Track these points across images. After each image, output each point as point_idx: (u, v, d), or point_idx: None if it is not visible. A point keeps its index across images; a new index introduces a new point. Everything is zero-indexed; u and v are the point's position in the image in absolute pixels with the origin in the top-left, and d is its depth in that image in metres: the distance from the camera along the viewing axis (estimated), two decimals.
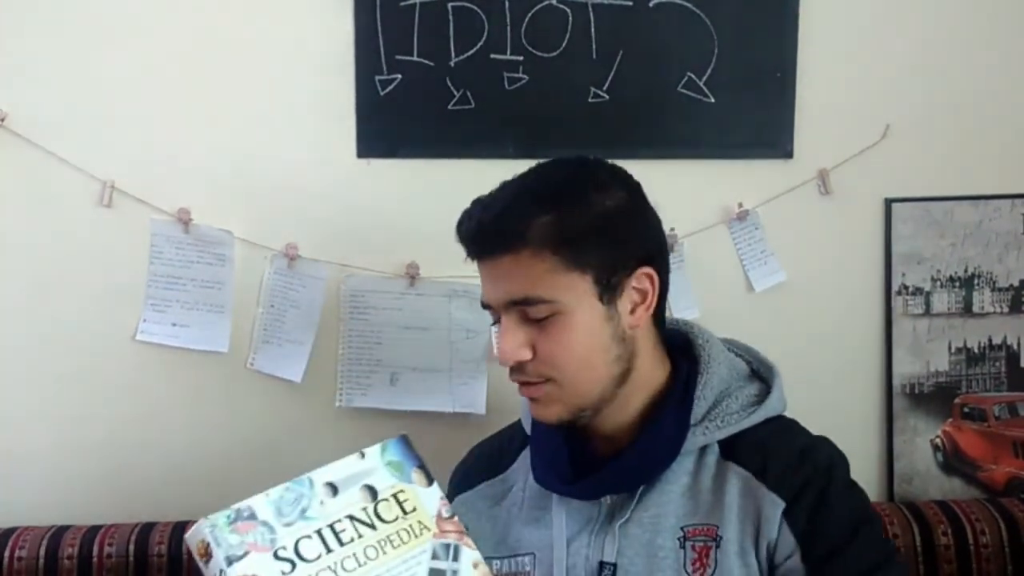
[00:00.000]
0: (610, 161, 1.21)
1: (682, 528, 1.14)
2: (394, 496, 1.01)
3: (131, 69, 1.60)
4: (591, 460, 1.20)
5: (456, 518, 1.03)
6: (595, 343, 1.13)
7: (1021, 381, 1.73)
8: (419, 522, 1.01)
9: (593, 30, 1.63)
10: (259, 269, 1.64)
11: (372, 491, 1.01)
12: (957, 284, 1.72)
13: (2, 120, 1.58)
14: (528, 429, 1.27)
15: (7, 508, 1.62)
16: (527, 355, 1.13)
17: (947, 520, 1.56)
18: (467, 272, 1.63)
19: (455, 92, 1.64)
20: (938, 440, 1.73)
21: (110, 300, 1.63)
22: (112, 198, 1.60)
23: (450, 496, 1.31)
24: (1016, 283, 1.72)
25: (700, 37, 1.65)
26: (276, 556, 0.94)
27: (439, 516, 1.02)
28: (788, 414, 1.23)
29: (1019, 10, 1.69)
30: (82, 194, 1.61)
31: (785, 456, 1.14)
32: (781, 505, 1.11)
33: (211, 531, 0.93)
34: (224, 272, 1.63)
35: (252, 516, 0.95)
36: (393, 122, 1.64)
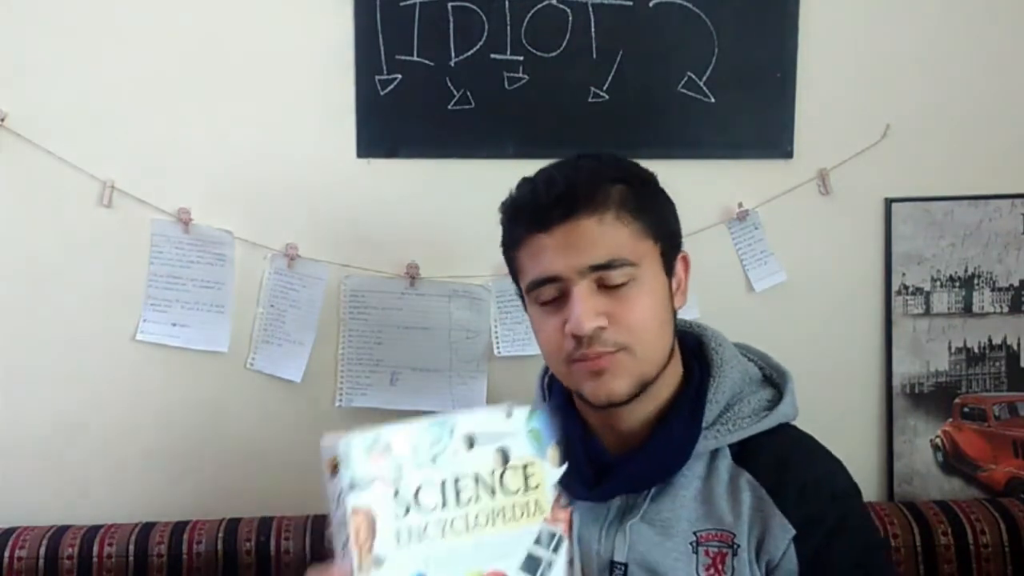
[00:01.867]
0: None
1: (695, 533, 1.14)
2: (524, 467, 0.98)
3: (131, 69, 1.60)
4: (603, 461, 1.19)
5: (571, 509, 1.00)
6: (662, 313, 1.15)
7: (1021, 381, 1.73)
8: (536, 501, 0.98)
9: (593, 30, 1.63)
10: (259, 269, 1.64)
11: (505, 456, 0.98)
12: (957, 284, 1.72)
13: (2, 120, 1.58)
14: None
15: (7, 508, 1.62)
16: (604, 322, 1.11)
17: (947, 520, 1.56)
18: (467, 272, 1.64)
19: (455, 92, 1.64)
20: (938, 440, 1.73)
21: (110, 300, 1.63)
22: (112, 198, 1.60)
23: None
24: (1016, 283, 1.72)
25: (700, 37, 1.65)
26: (396, 495, 0.92)
27: (556, 501, 0.99)
28: None
29: (1019, 10, 1.69)
30: (82, 194, 1.60)
31: (802, 479, 1.14)
32: (792, 532, 1.11)
33: (346, 450, 0.91)
34: (224, 272, 1.63)
35: (388, 448, 0.93)
36: (393, 122, 1.64)
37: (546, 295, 1.14)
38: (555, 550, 0.98)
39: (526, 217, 1.15)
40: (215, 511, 1.60)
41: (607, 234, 1.11)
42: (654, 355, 1.15)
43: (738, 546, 1.12)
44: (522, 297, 1.23)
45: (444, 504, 0.94)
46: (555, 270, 1.12)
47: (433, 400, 1.66)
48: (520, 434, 0.98)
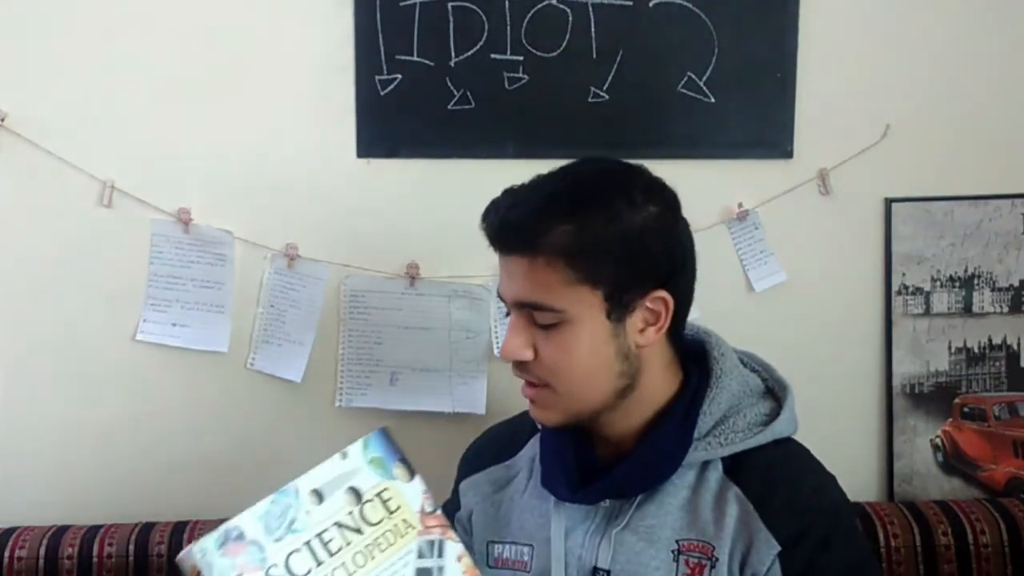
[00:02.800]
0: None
1: (677, 542, 1.14)
2: (378, 496, 1.01)
3: (131, 69, 1.60)
4: (594, 465, 1.19)
5: (439, 512, 1.03)
6: (597, 358, 1.12)
7: (1021, 381, 1.73)
8: (404, 520, 1.01)
9: (593, 30, 1.63)
10: (259, 269, 1.64)
11: (357, 493, 1.00)
12: (957, 284, 1.71)
13: (2, 120, 1.58)
14: (539, 424, 1.27)
15: (7, 508, 1.62)
16: (528, 355, 1.12)
17: (947, 520, 1.56)
18: (467, 272, 1.64)
19: (455, 92, 1.64)
20: (938, 440, 1.73)
21: (110, 300, 1.63)
22: (112, 198, 1.60)
23: (460, 476, 1.34)
24: (1016, 283, 1.72)
25: (700, 37, 1.65)
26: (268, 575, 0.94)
27: (422, 511, 1.02)
28: None
29: (1019, 10, 1.69)
30: (82, 194, 1.60)
31: (789, 493, 1.13)
32: (776, 548, 1.09)
33: (202, 557, 0.92)
34: (224, 272, 1.63)
35: (241, 536, 0.94)
36: (393, 122, 1.64)
37: (505, 309, 1.17)
38: (440, 555, 1.01)
39: (484, 234, 1.15)
40: (215, 511, 1.60)
41: (536, 276, 1.10)
42: (581, 396, 1.14)
43: (717, 559, 1.11)
44: None
45: (319, 563, 0.96)
46: (500, 292, 1.16)
47: (433, 400, 1.66)
48: (362, 468, 1.01)
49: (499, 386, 1.66)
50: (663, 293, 1.13)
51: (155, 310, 1.63)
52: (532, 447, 1.28)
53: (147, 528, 1.56)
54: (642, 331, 1.13)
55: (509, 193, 1.14)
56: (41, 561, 1.51)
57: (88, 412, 1.64)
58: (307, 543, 0.96)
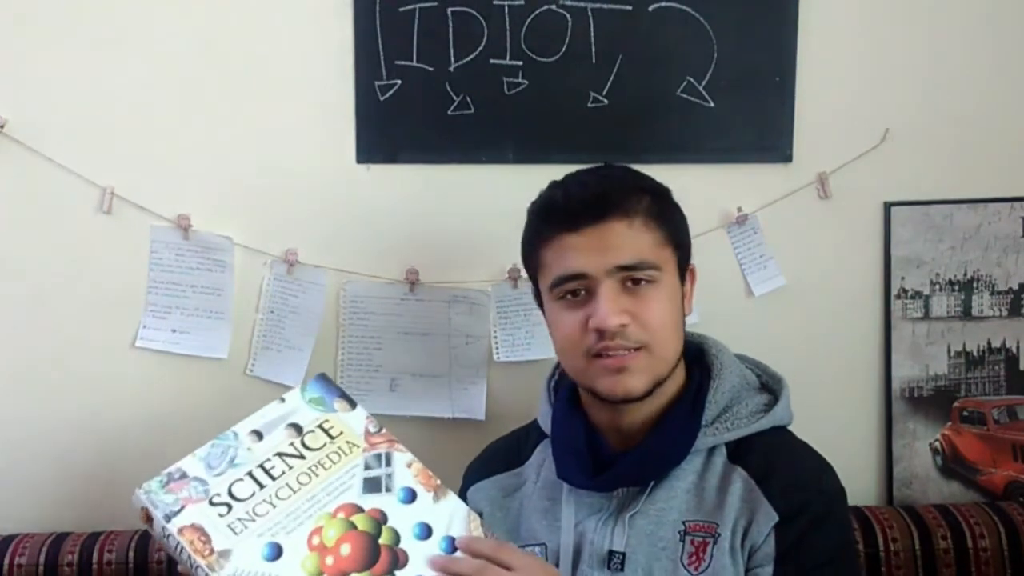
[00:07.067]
0: None
1: (683, 523, 1.19)
2: (319, 426, 1.09)
3: (131, 75, 1.60)
4: (606, 456, 1.24)
5: (385, 430, 1.10)
6: (677, 316, 1.23)
7: (1020, 384, 1.73)
8: (347, 442, 1.09)
9: (592, 35, 1.63)
10: (259, 275, 1.64)
11: (297, 428, 1.08)
12: (956, 288, 1.71)
13: (2, 127, 1.58)
14: (547, 428, 1.31)
15: (7, 515, 1.63)
16: (628, 320, 1.17)
17: (946, 524, 1.56)
18: (466, 278, 1.64)
19: (455, 97, 1.64)
20: (937, 444, 1.73)
21: (110, 307, 1.63)
22: (112, 204, 1.60)
23: (464, 486, 1.37)
24: (1015, 286, 1.72)
25: (699, 41, 1.65)
26: (211, 503, 1.01)
27: (367, 433, 1.10)
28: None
29: (1018, 14, 1.69)
30: (82, 200, 1.61)
31: (790, 471, 1.19)
32: (775, 518, 1.15)
33: (147, 496, 1.02)
34: (224, 278, 1.63)
35: (183, 475, 1.04)
36: (393, 127, 1.64)
37: (570, 291, 1.20)
38: (388, 464, 1.09)
39: (557, 217, 1.21)
40: None
41: (635, 237, 1.19)
42: (669, 354, 1.21)
43: (719, 535, 1.17)
44: (537, 295, 1.29)
45: (261, 486, 1.04)
46: (583, 268, 1.19)
47: (432, 406, 1.66)
48: (301, 407, 1.10)
49: (498, 391, 1.67)
50: (692, 266, 1.30)
51: (155, 316, 1.63)
52: (539, 455, 1.33)
53: (147, 535, 1.54)
54: (684, 299, 1.27)
55: (574, 177, 1.25)
56: (41, 568, 1.51)
57: (88, 419, 1.64)
58: (249, 473, 1.04)
